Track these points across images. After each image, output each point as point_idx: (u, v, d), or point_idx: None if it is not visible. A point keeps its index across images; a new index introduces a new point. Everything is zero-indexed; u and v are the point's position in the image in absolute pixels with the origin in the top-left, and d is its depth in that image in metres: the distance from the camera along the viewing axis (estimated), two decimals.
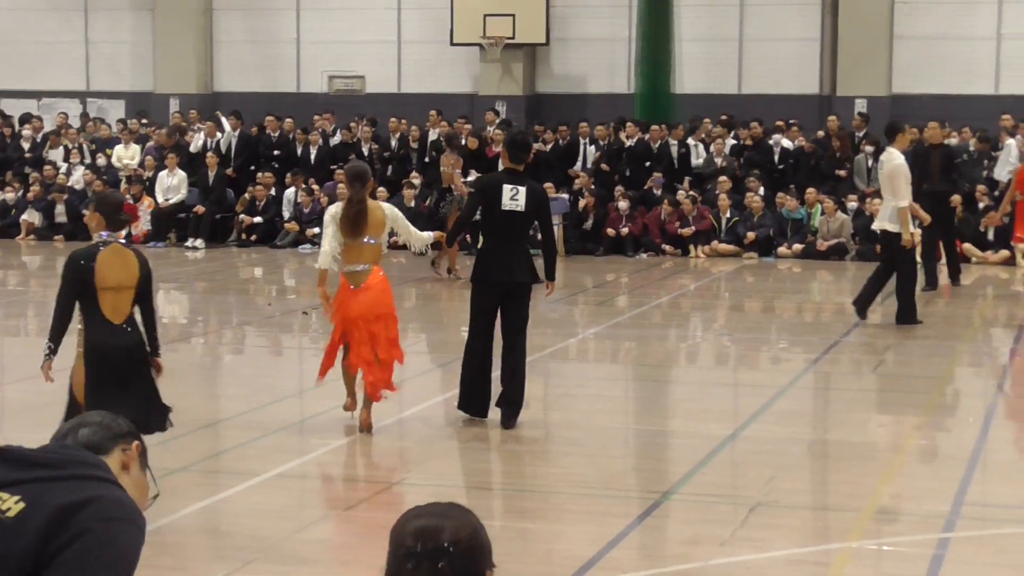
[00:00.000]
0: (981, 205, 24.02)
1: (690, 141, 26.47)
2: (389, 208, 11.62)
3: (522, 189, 11.66)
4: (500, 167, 12.26)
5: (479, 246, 12.43)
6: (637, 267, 22.92)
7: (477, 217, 12.19)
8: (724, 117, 27.17)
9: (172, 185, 26.76)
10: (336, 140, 28.10)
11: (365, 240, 11.29)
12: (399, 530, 3.26)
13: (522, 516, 9.37)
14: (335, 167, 26.57)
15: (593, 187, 25.57)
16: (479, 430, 11.80)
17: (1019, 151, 25.09)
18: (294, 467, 10.55)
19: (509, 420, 11.76)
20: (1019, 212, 20.19)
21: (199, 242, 26.13)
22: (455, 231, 13.32)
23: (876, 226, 16.95)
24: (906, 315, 16.78)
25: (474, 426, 11.94)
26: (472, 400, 11.96)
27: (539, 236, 12.08)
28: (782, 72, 28.92)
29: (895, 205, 16.20)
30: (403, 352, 11.82)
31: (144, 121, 29.71)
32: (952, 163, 20.31)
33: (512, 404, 11.81)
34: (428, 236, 12.34)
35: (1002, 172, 24.69)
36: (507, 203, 11.61)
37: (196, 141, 28.00)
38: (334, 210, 11.40)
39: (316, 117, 28.81)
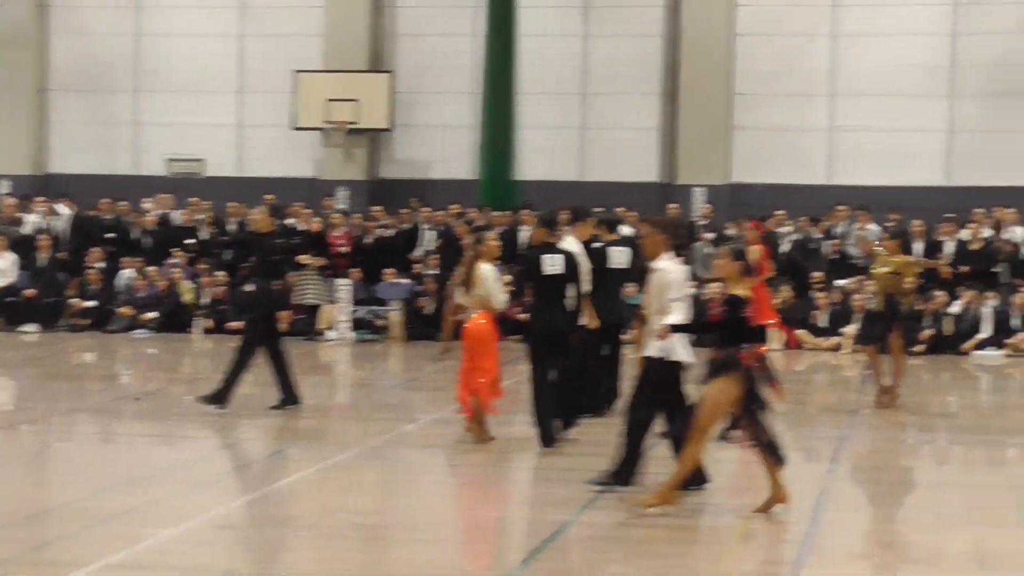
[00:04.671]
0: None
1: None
2: (484, 269, 14.53)
3: (559, 256, 14.35)
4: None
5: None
6: None
7: None
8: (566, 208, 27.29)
9: (1, 268, 26.22)
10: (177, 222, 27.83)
11: (474, 292, 14.46)
12: None
13: None
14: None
15: (434, 272, 25.57)
16: (314, 516, 11.65)
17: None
18: (125, 557, 10.30)
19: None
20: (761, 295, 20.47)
21: (33, 326, 25.61)
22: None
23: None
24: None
25: (309, 512, 11.79)
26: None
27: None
28: (623, 160, 29.29)
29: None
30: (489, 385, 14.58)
31: None
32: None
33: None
34: (505, 299, 15.01)
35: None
36: (547, 268, 14.24)
37: (29, 223, 27.53)
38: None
39: (148, 200, 28.44)
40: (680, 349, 11.99)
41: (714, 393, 11.30)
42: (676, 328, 11.73)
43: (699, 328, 11.81)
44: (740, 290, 11.38)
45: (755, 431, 11.46)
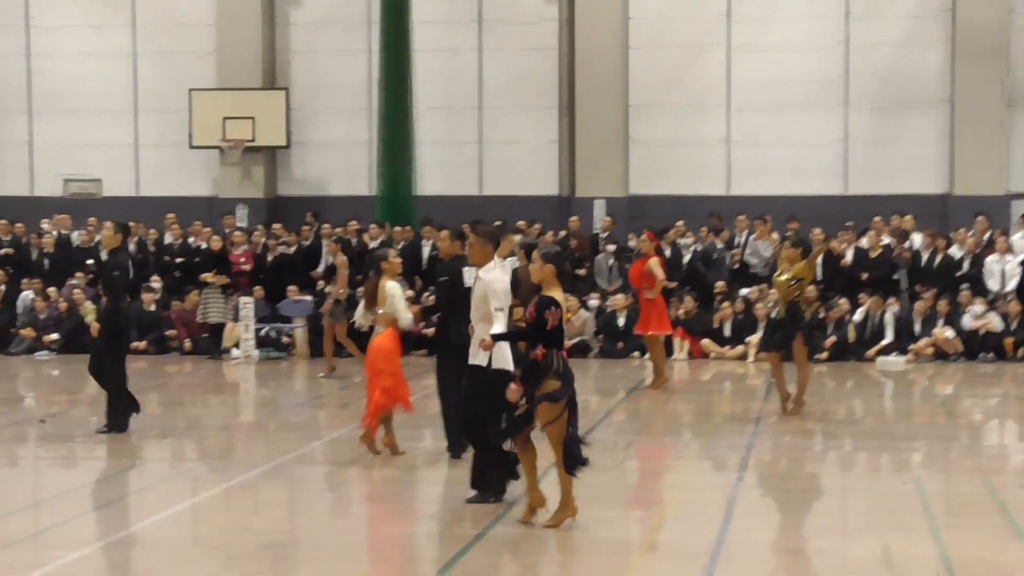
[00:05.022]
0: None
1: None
2: (389, 286, 14.70)
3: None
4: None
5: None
6: None
7: None
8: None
9: None
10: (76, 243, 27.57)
11: (379, 310, 14.71)
12: None
13: None
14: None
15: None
16: (222, 536, 11.56)
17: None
18: None
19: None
20: (643, 305, 20.68)
21: None
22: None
23: None
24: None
25: (216, 532, 11.70)
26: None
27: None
28: (522, 174, 29.39)
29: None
30: (387, 403, 14.65)
31: None
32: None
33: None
34: (410, 317, 15.18)
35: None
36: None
37: None
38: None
39: (46, 221, 28.18)
40: (503, 357, 12.13)
41: (546, 403, 11.36)
42: (497, 337, 11.83)
43: (518, 336, 11.84)
44: (556, 293, 11.45)
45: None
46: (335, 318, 22.07)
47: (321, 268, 26.52)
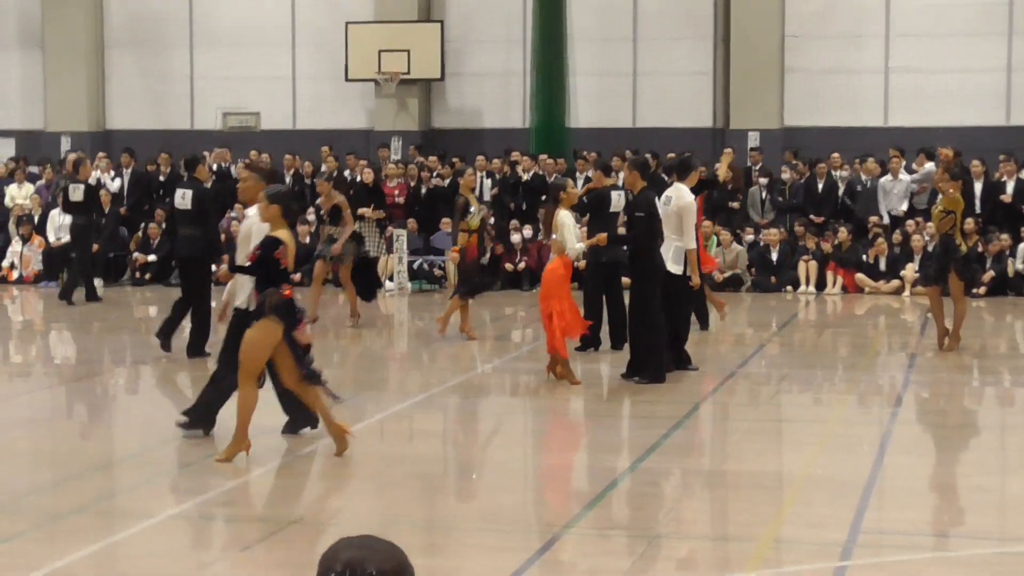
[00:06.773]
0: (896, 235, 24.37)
1: (590, 174, 26.34)
2: (562, 216, 14.86)
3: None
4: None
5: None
6: (533, 301, 22.90)
7: None
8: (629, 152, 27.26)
9: (63, 224, 26.40)
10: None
11: (552, 237, 14.99)
12: (328, 558, 3.34)
13: (421, 552, 9.29)
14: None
15: (492, 220, 25.56)
16: (375, 466, 11.72)
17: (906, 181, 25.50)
18: (191, 507, 10.41)
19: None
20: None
21: (97, 281, 25.80)
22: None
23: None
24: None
25: (370, 461, 11.86)
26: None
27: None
28: (676, 105, 29.14)
29: (680, 246, 15.67)
30: (564, 327, 14.84)
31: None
32: None
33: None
34: (580, 247, 15.25)
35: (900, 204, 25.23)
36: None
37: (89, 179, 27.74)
38: None
39: (205, 153, 28.62)
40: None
41: (254, 336, 11.33)
42: (233, 268, 11.89)
43: (243, 270, 11.70)
44: (282, 233, 11.33)
45: (301, 372, 11.51)
46: (344, 259, 20.80)
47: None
